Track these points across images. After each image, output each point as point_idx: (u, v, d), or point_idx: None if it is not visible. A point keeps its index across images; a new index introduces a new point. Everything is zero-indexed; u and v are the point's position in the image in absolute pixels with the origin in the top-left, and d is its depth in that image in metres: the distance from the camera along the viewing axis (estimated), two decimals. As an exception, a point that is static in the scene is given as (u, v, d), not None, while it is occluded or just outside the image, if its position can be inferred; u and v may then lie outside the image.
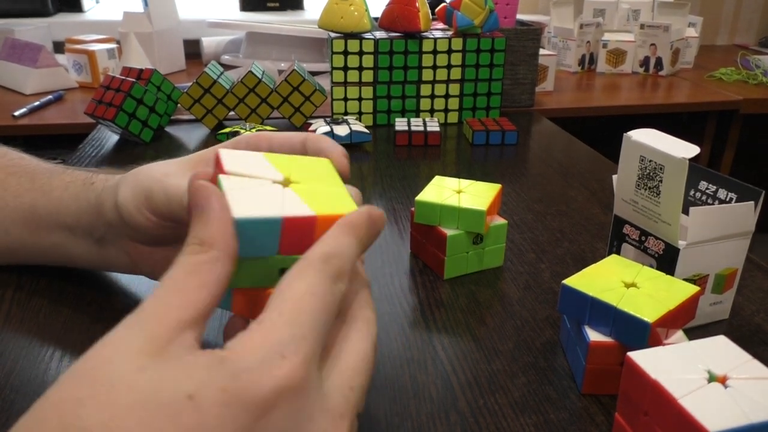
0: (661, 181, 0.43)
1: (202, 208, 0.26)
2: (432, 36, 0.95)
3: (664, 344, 0.38)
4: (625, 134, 0.45)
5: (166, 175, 0.37)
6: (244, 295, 0.30)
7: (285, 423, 0.22)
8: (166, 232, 0.39)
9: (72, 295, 0.48)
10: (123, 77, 0.87)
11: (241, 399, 0.21)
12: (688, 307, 0.39)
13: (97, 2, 1.76)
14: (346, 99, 0.97)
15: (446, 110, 0.99)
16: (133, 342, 0.22)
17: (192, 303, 0.24)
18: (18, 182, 0.47)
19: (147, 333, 0.22)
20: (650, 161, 0.43)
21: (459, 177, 0.57)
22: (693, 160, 0.42)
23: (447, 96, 0.98)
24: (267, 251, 0.27)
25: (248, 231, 0.26)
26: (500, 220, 0.54)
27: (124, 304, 0.48)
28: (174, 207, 0.36)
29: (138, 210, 0.38)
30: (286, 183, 0.29)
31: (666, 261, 0.44)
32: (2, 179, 0.47)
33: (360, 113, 0.98)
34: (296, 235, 0.27)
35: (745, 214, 0.43)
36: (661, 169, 0.42)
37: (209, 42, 1.47)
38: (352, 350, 0.27)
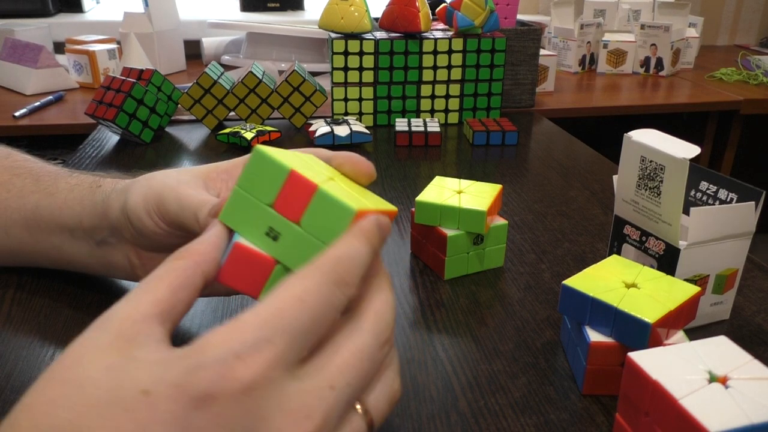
0: (661, 181, 0.43)
1: (205, 234, 0.29)
2: (432, 36, 0.95)
3: (664, 345, 0.38)
4: (625, 134, 0.45)
5: (180, 184, 0.37)
6: (236, 260, 0.29)
7: (233, 421, 0.22)
8: (172, 241, 0.38)
9: (72, 295, 0.48)
10: (123, 78, 0.87)
11: (189, 395, 0.21)
12: (689, 308, 0.39)
13: (98, 2, 1.76)
14: (346, 99, 0.97)
15: (447, 110, 0.99)
16: (102, 340, 0.23)
17: (160, 301, 0.25)
18: (23, 183, 0.47)
19: (115, 330, 0.23)
20: (651, 161, 0.43)
21: (459, 177, 0.57)
22: (693, 161, 0.42)
23: (447, 96, 0.98)
24: (263, 197, 0.28)
25: (258, 164, 0.28)
26: (501, 221, 0.54)
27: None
28: (186, 216, 0.36)
29: (148, 215, 0.38)
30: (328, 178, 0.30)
31: (666, 261, 0.44)
32: (6, 180, 0.47)
33: (360, 114, 0.98)
34: (294, 195, 0.28)
35: (746, 214, 0.43)
36: (661, 169, 0.42)
37: (210, 42, 1.47)
38: (344, 347, 0.26)
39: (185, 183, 0.37)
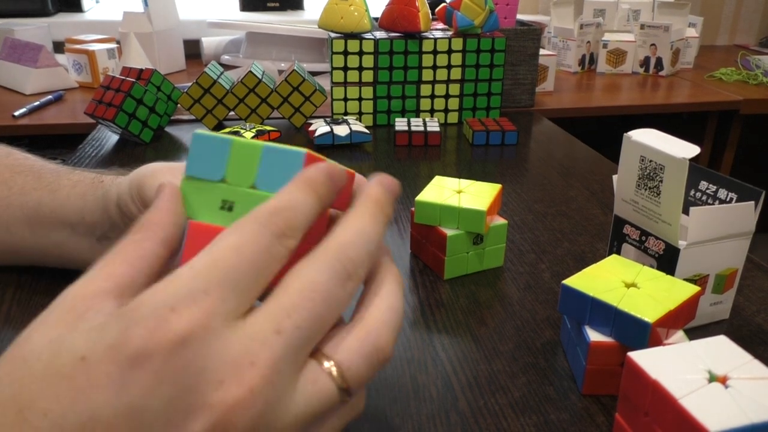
0: (661, 181, 0.43)
1: (155, 203, 0.27)
2: (432, 36, 0.95)
3: (664, 344, 0.38)
4: (625, 134, 0.45)
5: (161, 170, 0.38)
6: (193, 239, 0.27)
7: (172, 376, 0.21)
8: None
9: (72, 295, 0.48)
10: (123, 77, 0.87)
11: (124, 354, 0.21)
12: (689, 308, 0.39)
13: (97, 2, 1.76)
14: (346, 99, 0.97)
15: (446, 110, 0.99)
16: (51, 317, 0.23)
17: (113, 275, 0.24)
18: (24, 181, 0.47)
19: (66, 307, 0.23)
20: (650, 161, 0.43)
21: (459, 177, 0.57)
22: (693, 160, 0.42)
23: (447, 96, 0.98)
24: (213, 175, 0.28)
25: (200, 147, 0.28)
26: (500, 221, 0.54)
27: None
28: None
29: (132, 200, 0.38)
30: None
31: (666, 261, 0.44)
32: (8, 178, 0.47)
33: (360, 113, 0.98)
34: (242, 161, 0.27)
35: (746, 214, 0.43)
36: (661, 169, 0.42)
37: (209, 42, 1.47)
38: (292, 286, 0.24)
39: (167, 170, 0.37)
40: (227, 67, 1.31)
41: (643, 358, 0.32)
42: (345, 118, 0.91)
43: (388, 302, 0.27)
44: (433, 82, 0.97)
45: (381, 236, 0.27)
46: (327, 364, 0.25)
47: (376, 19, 0.99)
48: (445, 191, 0.54)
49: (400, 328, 0.27)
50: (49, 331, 0.22)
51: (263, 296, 0.27)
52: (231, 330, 0.22)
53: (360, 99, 0.97)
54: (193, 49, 1.53)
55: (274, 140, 0.88)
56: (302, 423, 0.24)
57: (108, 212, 0.42)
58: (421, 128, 0.89)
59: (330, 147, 0.87)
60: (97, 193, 0.43)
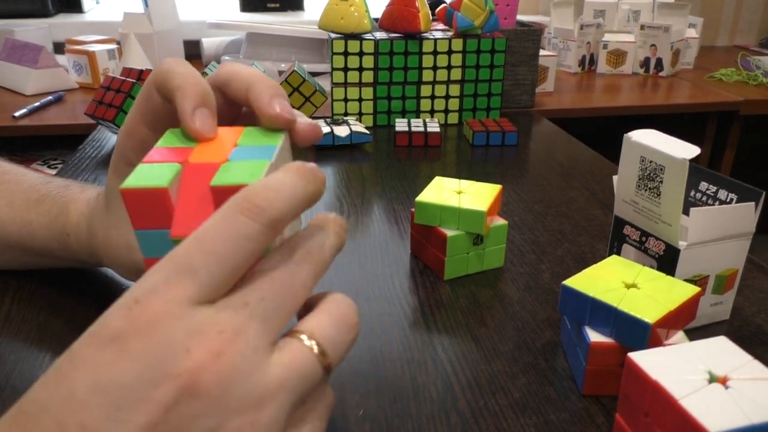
0: (661, 181, 0.43)
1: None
2: (432, 37, 0.95)
3: (664, 345, 0.38)
4: (625, 135, 0.45)
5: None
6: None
7: (140, 353, 0.23)
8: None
9: (72, 295, 0.48)
10: (123, 78, 0.87)
11: (99, 337, 0.23)
12: (689, 308, 0.39)
13: (98, 3, 1.76)
14: (346, 100, 0.97)
15: (446, 111, 0.99)
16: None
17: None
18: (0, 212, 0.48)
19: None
20: (651, 162, 0.43)
21: (459, 178, 0.57)
22: (693, 161, 0.42)
23: (447, 97, 0.98)
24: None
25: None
26: (500, 221, 0.54)
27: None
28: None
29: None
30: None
31: (666, 262, 0.44)
32: None
33: (360, 114, 0.98)
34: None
35: (746, 214, 0.43)
36: (661, 169, 0.42)
37: (209, 43, 1.47)
38: (256, 267, 0.26)
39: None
40: (227, 67, 1.31)
41: (643, 358, 0.32)
42: (345, 118, 0.91)
43: (337, 295, 0.29)
44: (434, 83, 0.97)
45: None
46: (308, 342, 0.26)
47: (376, 19, 0.99)
48: (445, 192, 0.54)
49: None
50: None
51: None
52: (197, 309, 0.24)
53: (360, 100, 0.97)
54: (193, 50, 1.53)
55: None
56: (282, 397, 0.25)
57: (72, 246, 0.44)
58: (422, 129, 0.89)
59: (330, 148, 0.87)
60: (57, 224, 0.45)
